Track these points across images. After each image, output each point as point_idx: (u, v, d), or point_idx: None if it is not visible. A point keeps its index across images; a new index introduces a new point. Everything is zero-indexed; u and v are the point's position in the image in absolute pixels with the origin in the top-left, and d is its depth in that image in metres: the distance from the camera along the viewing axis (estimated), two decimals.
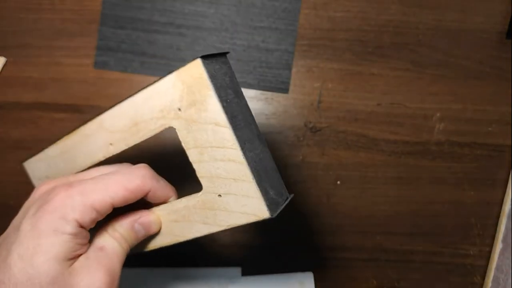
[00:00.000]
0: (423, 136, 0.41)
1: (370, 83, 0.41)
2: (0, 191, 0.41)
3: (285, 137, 0.41)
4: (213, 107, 0.22)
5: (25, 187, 0.33)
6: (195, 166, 0.24)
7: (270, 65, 0.41)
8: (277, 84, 0.41)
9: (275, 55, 0.41)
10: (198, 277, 0.40)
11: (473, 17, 0.41)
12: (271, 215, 0.23)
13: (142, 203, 0.26)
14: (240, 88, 0.24)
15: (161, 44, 0.41)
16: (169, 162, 0.40)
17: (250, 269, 0.41)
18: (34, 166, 0.33)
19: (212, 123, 0.22)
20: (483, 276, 0.42)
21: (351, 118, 0.41)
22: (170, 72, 0.23)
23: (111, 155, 0.27)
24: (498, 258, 0.41)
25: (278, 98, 0.41)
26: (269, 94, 0.41)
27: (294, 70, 0.41)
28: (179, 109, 0.23)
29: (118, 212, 0.25)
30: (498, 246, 0.41)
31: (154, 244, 0.28)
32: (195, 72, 0.22)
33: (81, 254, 0.24)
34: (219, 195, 0.24)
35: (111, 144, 0.27)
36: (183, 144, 0.24)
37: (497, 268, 0.41)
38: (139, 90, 0.24)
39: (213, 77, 0.22)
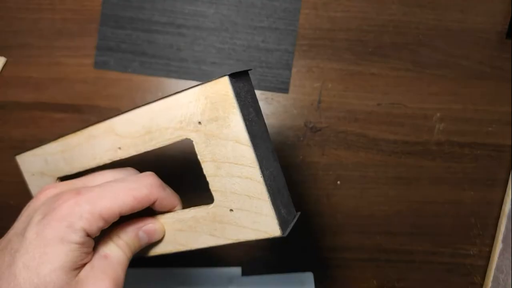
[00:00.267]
0: (423, 136, 0.41)
1: (370, 83, 0.41)
2: (0, 191, 0.41)
3: (285, 137, 0.41)
4: (236, 125, 0.22)
5: (26, 187, 0.33)
6: (209, 179, 0.24)
7: (270, 65, 0.41)
8: (277, 84, 0.41)
9: (275, 55, 0.41)
10: (198, 277, 0.40)
11: (473, 17, 0.41)
12: (283, 234, 0.23)
13: (146, 209, 0.26)
14: (259, 105, 0.24)
15: (161, 44, 0.41)
16: (169, 170, 0.40)
17: (250, 269, 0.41)
18: (28, 160, 0.32)
19: (233, 140, 0.22)
20: (483, 276, 0.42)
21: (351, 118, 0.41)
22: (194, 86, 0.23)
23: (118, 159, 0.27)
24: (498, 258, 0.41)
25: (278, 98, 0.41)
26: (269, 94, 0.41)
27: (294, 70, 0.41)
28: (199, 123, 0.23)
29: (122, 218, 0.25)
30: (498, 246, 0.41)
31: (155, 251, 0.28)
32: (221, 89, 0.22)
33: (86, 263, 0.23)
34: (231, 210, 0.24)
35: (119, 148, 0.26)
36: (199, 157, 0.24)
37: (497, 268, 0.41)
38: (157, 99, 0.24)
39: (238, 95, 0.22)
